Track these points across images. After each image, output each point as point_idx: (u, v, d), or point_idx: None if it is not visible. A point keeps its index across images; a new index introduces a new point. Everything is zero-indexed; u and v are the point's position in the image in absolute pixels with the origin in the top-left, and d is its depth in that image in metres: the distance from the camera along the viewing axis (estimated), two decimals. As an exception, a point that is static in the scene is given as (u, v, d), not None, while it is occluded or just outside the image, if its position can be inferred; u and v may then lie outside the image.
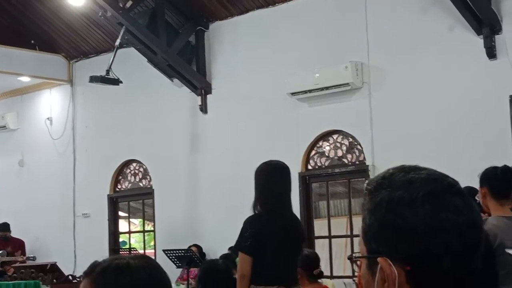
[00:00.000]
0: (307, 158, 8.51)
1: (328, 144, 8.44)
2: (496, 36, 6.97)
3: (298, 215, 7.72)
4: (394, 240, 1.12)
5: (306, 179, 8.47)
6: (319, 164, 8.49)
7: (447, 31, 7.25)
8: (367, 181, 1.21)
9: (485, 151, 6.54)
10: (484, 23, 6.96)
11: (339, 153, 8.35)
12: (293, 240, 4.42)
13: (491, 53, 6.97)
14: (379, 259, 1.12)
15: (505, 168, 4.00)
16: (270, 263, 4.25)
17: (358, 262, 1.21)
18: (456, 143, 6.99)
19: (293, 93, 8.27)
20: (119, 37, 8.91)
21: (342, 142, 8.32)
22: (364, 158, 7.97)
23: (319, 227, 8.51)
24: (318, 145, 8.50)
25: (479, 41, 7.02)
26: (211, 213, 9.03)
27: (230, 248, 7.60)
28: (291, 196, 4.53)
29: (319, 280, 5.50)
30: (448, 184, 1.16)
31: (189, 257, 7.64)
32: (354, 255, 1.22)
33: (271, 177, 4.42)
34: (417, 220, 1.11)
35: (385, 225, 1.13)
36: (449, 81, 7.20)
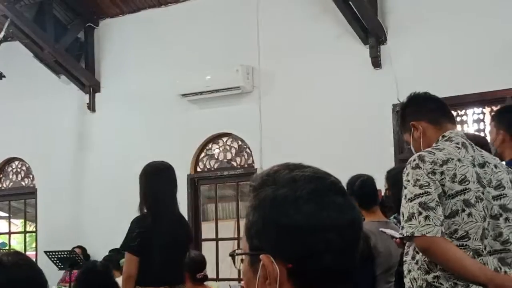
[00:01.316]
0: (196, 160, 8.49)
1: (217, 146, 8.46)
2: (382, 47, 7.23)
3: (186, 218, 7.70)
4: (277, 237, 1.12)
5: (195, 181, 8.44)
6: (208, 167, 8.49)
7: (336, 39, 7.44)
8: (252, 178, 1.21)
9: (369, 157, 6.76)
10: (371, 34, 7.20)
11: (228, 156, 8.38)
12: (179, 241, 4.40)
13: (376, 62, 7.22)
14: (261, 256, 1.12)
15: (366, 179, 4.18)
16: (157, 264, 4.21)
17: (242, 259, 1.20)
18: (342, 148, 7.18)
19: (184, 95, 8.23)
20: (3, 30, 8.55)
21: (232, 145, 8.36)
22: (253, 161, 8.05)
23: (207, 229, 8.51)
24: (207, 148, 8.50)
25: (366, 50, 7.26)
26: (97, 214, 8.82)
27: (111, 251, 7.45)
28: (177, 197, 4.50)
29: (205, 283, 5.49)
30: (331, 183, 1.17)
31: (72, 259, 7.43)
32: (236, 251, 1.21)
33: (155, 177, 4.39)
34: (300, 217, 1.11)
35: (268, 222, 1.13)
36: (337, 87, 7.39)
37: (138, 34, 8.89)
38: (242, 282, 6.71)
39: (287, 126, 7.65)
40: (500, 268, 2.68)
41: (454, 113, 6.84)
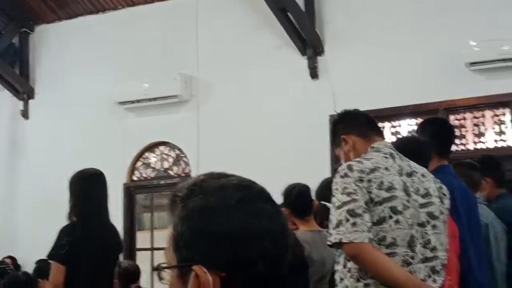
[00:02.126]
0: (132, 169, 8.40)
1: (154, 155, 8.39)
2: (319, 58, 7.31)
3: (121, 227, 7.60)
4: (209, 247, 1.11)
5: (130, 190, 8.34)
6: (144, 176, 8.40)
7: (274, 49, 7.49)
8: (176, 188, 1.20)
9: (305, 166, 6.80)
10: (308, 45, 7.28)
11: (165, 165, 8.32)
12: (110, 249, 4.33)
13: (314, 73, 7.30)
14: (194, 267, 1.11)
15: (302, 188, 4.23)
16: (85, 273, 4.12)
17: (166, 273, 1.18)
18: (279, 157, 7.21)
19: (121, 102, 8.14)
20: None
21: (169, 154, 8.30)
22: (190, 170, 8.01)
23: (142, 239, 8.41)
24: (144, 156, 8.42)
25: (304, 61, 7.33)
26: (29, 223, 8.60)
27: (38, 262, 7.24)
28: (108, 204, 4.42)
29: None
30: (258, 191, 1.18)
31: (2, 270, 7.22)
32: (162, 265, 1.19)
33: (85, 184, 4.31)
34: (231, 226, 1.11)
35: (198, 233, 1.12)
36: (275, 97, 7.43)
37: (75, 40, 8.75)
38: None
39: (225, 135, 7.65)
40: (430, 276, 2.74)
41: (389, 125, 7.02)
